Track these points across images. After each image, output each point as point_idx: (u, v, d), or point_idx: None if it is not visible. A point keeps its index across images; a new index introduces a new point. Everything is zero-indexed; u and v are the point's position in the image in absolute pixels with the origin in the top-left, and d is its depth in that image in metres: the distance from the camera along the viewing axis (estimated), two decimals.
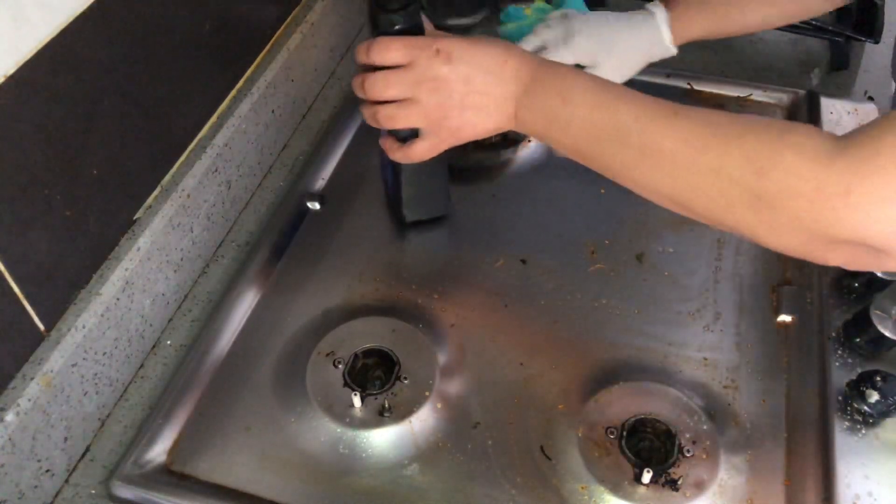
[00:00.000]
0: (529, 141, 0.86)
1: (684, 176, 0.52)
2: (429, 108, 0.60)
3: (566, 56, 0.76)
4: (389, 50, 0.60)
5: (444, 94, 0.59)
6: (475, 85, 0.59)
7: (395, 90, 0.60)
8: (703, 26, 0.78)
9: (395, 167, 0.72)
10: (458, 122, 0.61)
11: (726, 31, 0.79)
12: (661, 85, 0.92)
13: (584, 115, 0.56)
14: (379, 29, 0.66)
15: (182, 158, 0.71)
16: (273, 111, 0.83)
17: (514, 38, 0.82)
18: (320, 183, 0.82)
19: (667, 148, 0.52)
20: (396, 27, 0.64)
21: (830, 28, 0.94)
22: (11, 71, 0.50)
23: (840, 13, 0.99)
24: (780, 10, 0.78)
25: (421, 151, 0.63)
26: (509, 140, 0.85)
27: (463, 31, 0.83)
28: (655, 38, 0.78)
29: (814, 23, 0.95)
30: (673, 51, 0.78)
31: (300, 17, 0.87)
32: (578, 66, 0.75)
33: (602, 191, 0.81)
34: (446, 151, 0.66)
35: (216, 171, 0.74)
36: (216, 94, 0.75)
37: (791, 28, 0.97)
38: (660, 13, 0.78)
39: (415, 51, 0.60)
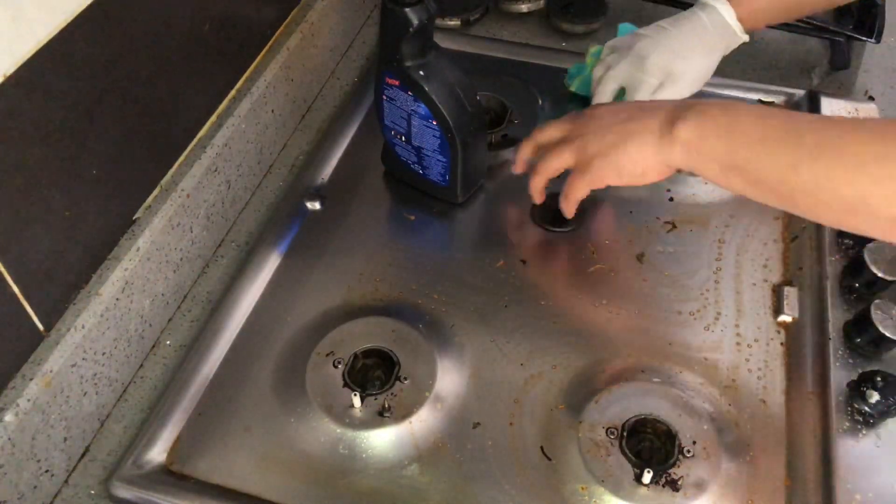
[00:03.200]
0: None
1: (870, 166, 0.51)
2: (580, 148, 0.66)
3: (652, 81, 0.77)
4: (550, 130, 0.70)
5: (592, 127, 0.66)
6: (622, 114, 0.64)
7: (564, 158, 0.68)
8: (770, 7, 0.77)
9: (453, 155, 0.75)
10: (613, 152, 0.64)
11: (795, 10, 0.79)
12: None
13: (751, 120, 0.57)
14: (391, 24, 0.67)
15: (182, 158, 0.71)
16: (273, 111, 0.83)
17: (585, 92, 0.87)
18: (320, 183, 0.82)
19: (849, 141, 0.52)
20: (412, 26, 0.65)
21: (831, 28, 0.94)
22: (11, 71, 0.50)
23: (840, 13, 0.99)
24: None
25: (579, 185, 0.68)
26: (509, 140, 0.85)
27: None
28: (724, 31, 0.77)
29: (814, 22, 0.95)
30: (745, 38, 0.77)
31: (300, 17, 0.87)
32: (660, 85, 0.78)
33: (602, 191, 0.81)
34: (485, 128, 0.76)
35: (216, 170, 0.74)
36: (216, 94, 0.75)
37: (791, 28, 0.97)
38: (720, 5, 0.77)
39: (573, 121, 0.68)
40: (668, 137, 0.61)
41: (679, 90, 0.77)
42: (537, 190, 0.72)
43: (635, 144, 0.62)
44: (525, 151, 0.72)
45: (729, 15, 0.76)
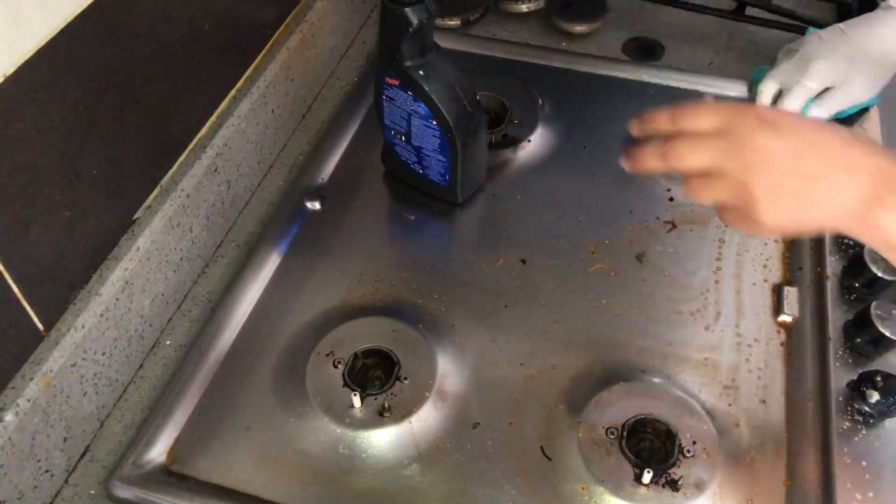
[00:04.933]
0: (529, 141, 0.86)
1: None
2: (738, 186, 0.49)
3: (810, 85, 0.74)
4: (701, 115, 0.52)
5: (763, 171, 0.48)
6: (807, 164, 0.47)
7: (705, 157, 0.50)
8: None
9: (453, 155, 0.74)
10: (772, 208, 0.48)
11: None
12: (658, 85, 0.92)
13: None
14: (391, 24, 0.67)
15: (182, 158, 0.71)
16: (273, 111, 0.83)
17: None
18: (320, 183, 0.82)
19: None
20: (412, 25, 0.65)
21: None
22: (11, 71, 0.50)
23: (840, 13, 0.99)
24: None
25: (734, 223, 0.53)
26: (509, 140, 0.85)
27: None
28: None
29: (814, 23, 0.95)
30: None
31: (300, 17, 0.87)
32: (827, 90, 0.76)
33: (602, 191, 0.81)
34: (485, 128, 0.75)
35: (216, 170, 0.74)
36: (216, 94, 0.75)
37: (792, 28, 0.97)
38: None
39: (733, 117, 0.50)
40: (864, 220, 0.47)
41: (847, 98, 0.75)
42: (643, 166, 0.55)
43: (819, 212, 0.48)
44: (661, 119, 0.55)
45: None
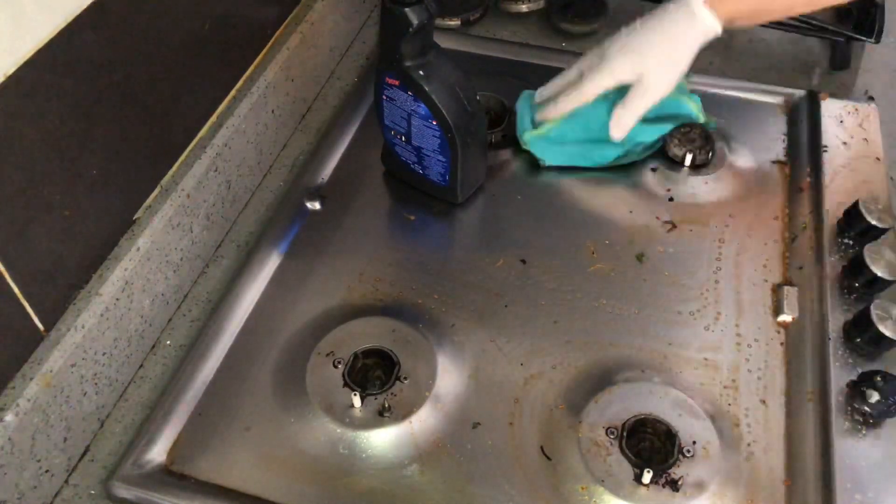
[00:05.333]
0: None
1: None
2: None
3: (605, 80, 0.75)
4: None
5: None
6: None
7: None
8: (745, 4, 0.72)
9: (453, 155, 0.74)
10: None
11: (770, 10, 0.74)
12: None
13: None
14: (391, 24, 0.67)
15: (182, 158, 0.71)
16: (273, 111, 0.83)
17: (540, 148, 0.83)
18: (320, 183, 0.82)
19: None
20: (412, 26, 0.66)
21: (830, 28, 0.94)
22: (11, 71, 0.50)
23: (840, 13, 0.99)
24: None
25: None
26: (509, 140, 0.85)
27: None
28: (693, 24, 0.72)
29: (813, 22, 0.95)
30: (717, 29, 0.72)
31: (300, 17, 0.87)
32: (624, 87, 0.75)
33: (602, 191, 0.81)
34: (485, 128, 0.77)
35: (216, 171, 0.74)
36: (216, 94, 0.75)
37: (791, 28, 0.97)
38: None
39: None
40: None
41: (645, 94, 0.75)
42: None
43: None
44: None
45: (697, 5, 0.71)
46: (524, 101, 0.84)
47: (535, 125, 0.81)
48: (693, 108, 0.80)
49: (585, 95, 0.76)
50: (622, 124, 0.76)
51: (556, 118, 0.79)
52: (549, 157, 0.82)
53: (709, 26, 0.71)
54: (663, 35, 0.73)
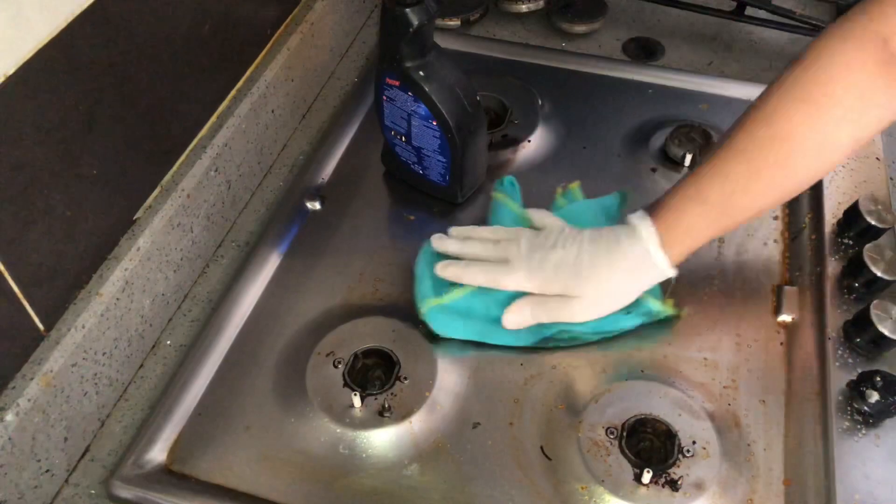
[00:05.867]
0: (529, 141, 0.86)
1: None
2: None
3: (526, 284, 0.65)
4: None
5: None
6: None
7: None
8: (707, 228, 0.64)
9: (453, 155, 0.74)
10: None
11: (735, 221, 0.64)
12: (658, 85, 0.92)
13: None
14: (391, 25, 0.67)
15: (182, 158, 0.71)
16: (273, 111, 0.83)
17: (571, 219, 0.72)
18: (320, 183, 0.82)
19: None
20: (412, 26, 0.66)
21: None
22: (11, 71, 0.50)
23: (840, 11, 0.99)
24: (795, 174, 0.62)
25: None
26: (509, 140, 0.85)
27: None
28: (644, 261, 0.64)
29: (813, 22, 0.95)
30: (669, 273, 0.64)
31: (300, 17, 0.87)
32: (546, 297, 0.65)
33: (601, 191, 0.81)
34: (485, 128, 0.75)
35: (216, 171, 0.74)
36: (216, 94, 0.75)
37: (791, 28, 0.97)
38: (644, 228, 0.63)
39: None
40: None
41: (570, 314, 0.65)
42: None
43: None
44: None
45: (652, 243, 0.63)
46: (425, 257, 0.71)
47: (435, 288, 0.69)
48: (654, 305, 0.68)
49: (496, 284, 0.67)
50: (521, 319, 0.66)
51: (453, 279, 0.68)
52: (450, 330, 0.67)
53: (662, 271, 0.64)
54: (611, 269, 0.64)
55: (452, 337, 0.68)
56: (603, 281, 0.64)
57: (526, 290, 0.66)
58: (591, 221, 0.71)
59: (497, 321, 0.67)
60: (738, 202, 0.62)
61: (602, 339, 0.68)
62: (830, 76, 0.59)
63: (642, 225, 0.64)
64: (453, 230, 0.71)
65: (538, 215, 0.72)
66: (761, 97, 0.62)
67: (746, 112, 0.63)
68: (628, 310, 0.67)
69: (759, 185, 0.62)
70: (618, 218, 0.73)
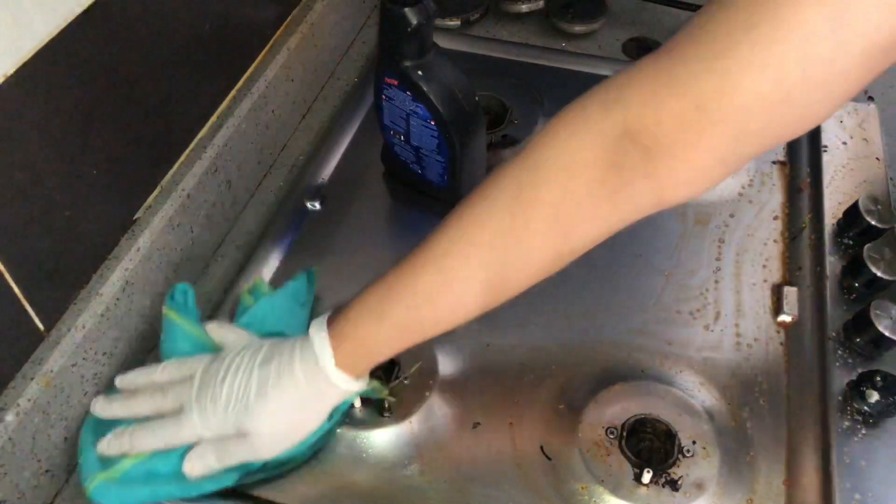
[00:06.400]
0: None
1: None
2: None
3: (201, 431, 0.56)
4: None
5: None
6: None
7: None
8: (388, 342, 0.55)
9: (451, 155, 0.74)
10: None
11: (423, 334, 0.55)
12: None
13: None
14: (390, 24, 0.67)
15: (182, 158, 0.71)
16: (273, 111, 0.83)
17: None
18: (320, 183, 0.82)
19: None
20: (411, 26, 0.66)
21: None
22: (12, 71, 0.50)
23: None
24: (494, 289, 0.54)
25: None
26: (509, 140, 0.85)
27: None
28: (318, 381, 0.55)
29: None
30: (354, 387, 0.56)
31: (300, 17, 0.87)
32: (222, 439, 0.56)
33: None
34: (484, 128, 0.73)
35: (216, 171, 0.74)
36: (216, 94, 0.75)
37: None
38: (318, 342, 0.55)
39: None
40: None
41: (250, 452, 0.56)
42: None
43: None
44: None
45: (326, 360, 0.54)
46: (89, 425, 0.60)
47: (103, 459, 0.57)
48: (343, 406, 0.60)
49: (178, 440, 0.56)
50: (203, 467, 0.56)
51: (122, 453, 0.57)
52: (132, 502, 0.57)
53: (344, 389, 0.56)
54: (281, 399, 0.55)
55: None
56: (275, 413, 0.55)
57: (205, 437, 0.56)
58: (281, 320, 0.64)
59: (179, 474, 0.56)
60: (425, 315, 0.54)
61: (315, 451, 0.60)
62: (546, 179, 0.49)
63: (317, 339, 0.55)
64: (119, 380, 0.60)
65: (217, 331, 0.62)
66: (476, 188, 0.53)
67: (459, 203, 0.53)
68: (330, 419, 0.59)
69: (448, 298, 0.53)
70: (311, 303, 0.68)
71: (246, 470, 0.57)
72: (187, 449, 0.56)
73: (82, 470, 0.58)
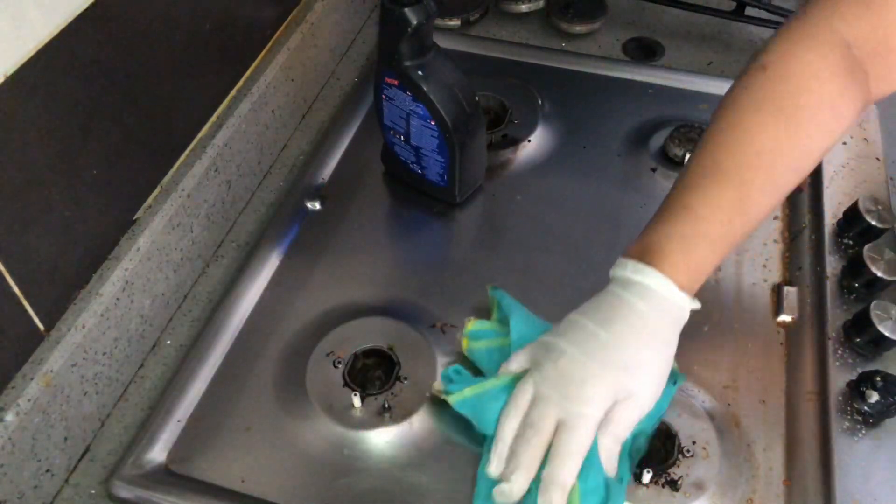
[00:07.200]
0: (529, 141, 0.86)
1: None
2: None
3: (593, 413, 0.55)
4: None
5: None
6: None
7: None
8: (713, 259, 0.58)
9: (451, 155, 0.74)
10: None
11: (736, 243, 0.60)
12: (658, 85, 0.92)
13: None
14: (391, 24, 0.68)
15: (182, 158, 0.71)
16: (273, 111, 0.83)
17: (482, 362, 0.65)
18: (320, 183, 0.82)
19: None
20: (411, 25, 0.66)
21: None
22: (11, 71, 0.50)
23: None
24: (783, 188, 0.59)
25: None
26: (509, 140, 0.85)
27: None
28: (669, 309, 0.57)
29: None
30: (696, 305, 0.58)
31: (300, 17, 0.87)
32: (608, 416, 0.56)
33: (601, 191, 0.81)
34: (484, 128, 0.74)
35: (216, 171, 0.74)
36: (216, 94, 0.75)
37: None
38: (658, 282, 0.56)
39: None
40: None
41: (638, 410, 0.56)
42: None
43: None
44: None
45: (668, 289, 0.56)
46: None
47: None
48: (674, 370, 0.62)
49: (582, 449, 0.55)
50: (614, 456, 0.56)
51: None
52: None
53: (690, 307, 0.58)
54: (649, 342, 0.56)
55: None
56: (649, 361, 0.56)
57: (593, 434, 0.55)
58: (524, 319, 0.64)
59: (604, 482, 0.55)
60: (735, 228, 0.58)
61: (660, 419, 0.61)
62: (800, 87, 0.57)
63: (651, 280, 0.56)
64: (495, 464, 0.57)
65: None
66: (728, 108, 0.59)
67: (717, 125, 0.59)
68: (673, 380, 0.61)
69: (752, 207, 0.59)
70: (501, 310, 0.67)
71: (629, 463, 0.57)
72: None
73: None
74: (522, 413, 0.57)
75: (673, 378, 0.60)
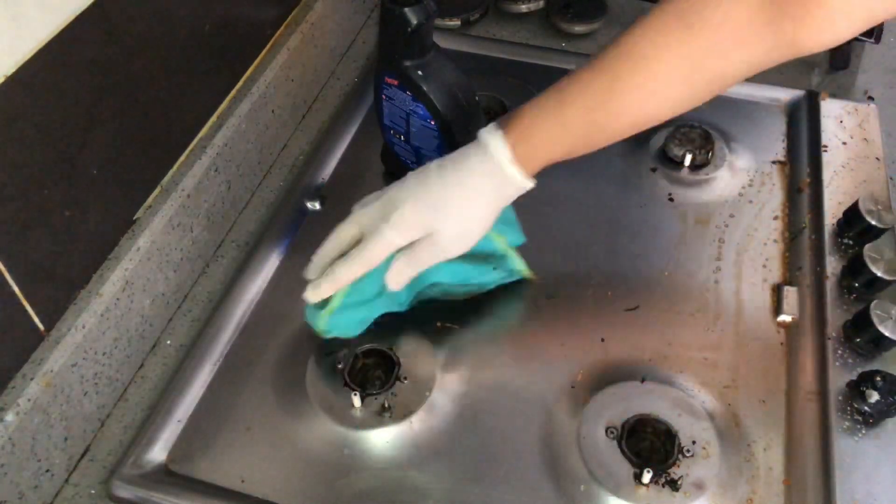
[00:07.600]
0: None
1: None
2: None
3: (392, 238, 0.61)
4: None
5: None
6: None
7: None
8: (562, 142, 0.60)
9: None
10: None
11: (590, 141, 0.62)
12: None
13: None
14: (391, 24, 0.68)
15: (182, 158, 0.71)
16: (273, 111, 0.83)
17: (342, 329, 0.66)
18: (320, 183, 0.82)
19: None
20: (411, 25, 0.66)
21: None
22: (11, 71, 0.50)
23: None
24: (653, 99, 0.59)
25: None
26: None
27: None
28: (498, 177, 0.60)
29: None
30: (528, 184, 0.61)
31: (300, 17, 0.87)
32: (412, 244, 0.62)
33: (601, 191, 0.81)
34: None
35: (216, 170, 0.74)
36: (216, 94, 0.75)
37: None
38: (493, 142, 0.59)
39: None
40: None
41: (439, 248, 0.62)
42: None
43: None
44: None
45: (503, 157, 0.59)
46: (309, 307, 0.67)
47: (321, 304, 0.64)
48: (517, 264, 0.70)
49: (370, 260, 0.62)
50: (402, 276, 0.63)
51: (334, 291, 0.63)
52: (354, 328, 0.66)
53: (519, 185, 0.61)
54: (465, 191, 0.60)
55: (361, 331, 0.66)
56: (458, 209, 0.61)
57: (393, 250, 0.62)
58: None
59: (381, 294, 0.64)
60: (595, 119, 0.59)
61: (468, 292, 0.69)
62: (708, 2, 0.55)
63: (491, 139, 0.60)
64: (313, 267, 0.65)
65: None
66: (641, 16, 0.59)
67: (627, 29, 0.59)
68: (494, 265, 0.68)
69: (617, 105, 0.59)
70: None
71: (415, 292, 0.67)
72: (383, 269, 0.62)
73: (309, 319, 0.65)
74: (344, 234, 0.64)
75: (500, 267, 0.68)
